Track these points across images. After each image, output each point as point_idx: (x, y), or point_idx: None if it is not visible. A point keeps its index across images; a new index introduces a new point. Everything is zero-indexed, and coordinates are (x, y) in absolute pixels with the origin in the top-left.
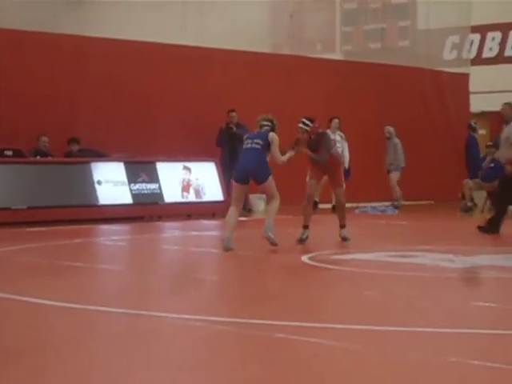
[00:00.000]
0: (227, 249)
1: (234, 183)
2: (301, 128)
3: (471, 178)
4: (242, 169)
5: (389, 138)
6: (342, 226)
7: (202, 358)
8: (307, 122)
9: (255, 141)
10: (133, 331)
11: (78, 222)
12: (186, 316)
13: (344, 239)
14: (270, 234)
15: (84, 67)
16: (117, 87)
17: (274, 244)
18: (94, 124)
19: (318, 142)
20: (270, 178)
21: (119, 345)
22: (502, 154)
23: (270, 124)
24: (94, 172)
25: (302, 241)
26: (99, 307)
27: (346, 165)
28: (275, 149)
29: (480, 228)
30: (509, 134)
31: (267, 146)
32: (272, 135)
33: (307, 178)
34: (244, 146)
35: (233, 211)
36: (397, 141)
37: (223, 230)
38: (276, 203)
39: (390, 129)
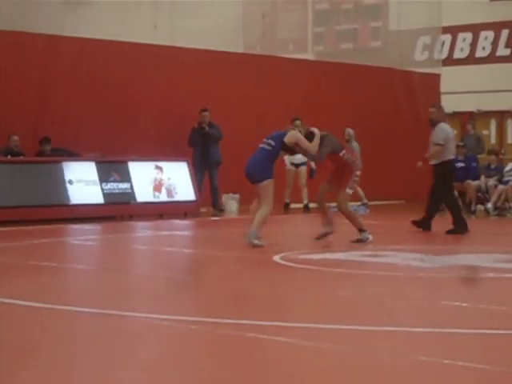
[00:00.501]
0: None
1: None
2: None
3: None
4: (245, 168)
5: (348, 141)
6: (360, 230)
7: (171, 358)
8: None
9: (268, 141)
10: (104, 331)
11: (50, 221)
12: (157, 316)
13: (358, 241)
14: (255, 241)
15: (55, 66)
16: (88, 87)
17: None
18: (66, 124)
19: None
20: (267, 182)
21: (90, 345)
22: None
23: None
24: (66, 171)
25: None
26: (70, 307)
27: (313, 164)
28: (304, 144)
29: (414, 222)
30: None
31: (280, 147)
32: (290, 134)
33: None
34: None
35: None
36: (355, 144)
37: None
38: (265, 210)
39: (350, 131)
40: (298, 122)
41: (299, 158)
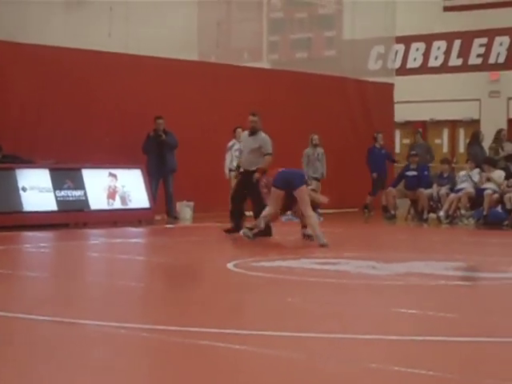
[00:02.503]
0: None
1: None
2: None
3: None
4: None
5: (317, 146)
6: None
7: (122, 366)
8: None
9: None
10: (56, 339)
11: (3, 228)
12: (110, 323)
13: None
14: (323, 240)
15: (9, 73)
16: (42, 94)
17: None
18: (19, 131)
19: None
20: (304, 187)
21: (42, 352)
22: (248, 162)
23: None
24: (19, 178)
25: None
26: (22, 315)
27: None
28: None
29: (227, 231)
30: (261, 144)
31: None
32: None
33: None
34: None
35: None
36: (320, 149)
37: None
38: (311, 214)
39: (317, 136)
40: (239, 130)
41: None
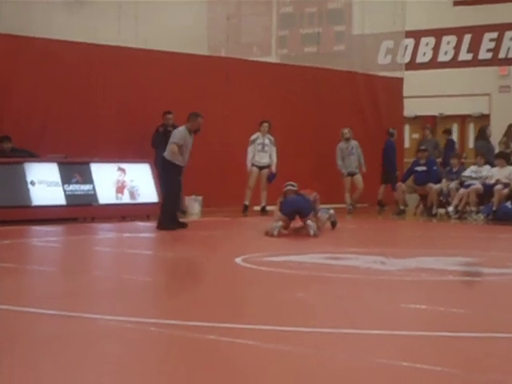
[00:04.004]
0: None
1: None
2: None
3: (386, 183)
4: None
5: (348, 139)
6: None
7: (130, 361)
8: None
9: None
10: (64, 333)
11: (11, 222)
12: (118, 318)
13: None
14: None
15: (18, 66)
16: (51, 88)
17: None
18: (28, 124)
19: None
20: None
21: (50, 347)
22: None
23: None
24: (28, 172)
25: None
26: (30, 309)
27: (273, 168)
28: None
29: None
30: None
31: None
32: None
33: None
34: None
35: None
36: (354, 142)
37: None
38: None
39: (348, 130)
40: (266, 125)
41: (265, 161)
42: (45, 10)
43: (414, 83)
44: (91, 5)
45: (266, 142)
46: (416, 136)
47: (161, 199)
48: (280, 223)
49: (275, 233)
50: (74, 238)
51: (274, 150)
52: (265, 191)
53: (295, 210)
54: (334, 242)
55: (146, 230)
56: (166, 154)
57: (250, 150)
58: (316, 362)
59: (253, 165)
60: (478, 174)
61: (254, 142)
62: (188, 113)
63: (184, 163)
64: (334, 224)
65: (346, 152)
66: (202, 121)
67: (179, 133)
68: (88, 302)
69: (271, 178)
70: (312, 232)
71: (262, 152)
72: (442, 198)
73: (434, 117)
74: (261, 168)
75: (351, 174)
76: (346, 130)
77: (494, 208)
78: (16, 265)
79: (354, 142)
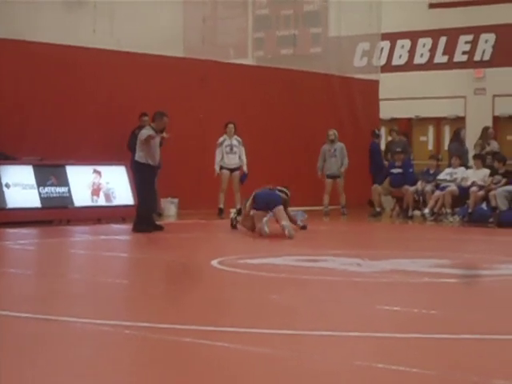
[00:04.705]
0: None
1: None
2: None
3: (377, 184)
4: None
5: (333, 141)
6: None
7: (105, 364)
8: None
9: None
10: (39, 336)
11: None
12: (94, 321)
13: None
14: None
15: None
16: (28, 90)
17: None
18: (3, 127)
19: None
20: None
21: (24, 350)
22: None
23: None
24: (3, 175)
25: None
26: (4, 312)
27: (245, 168)
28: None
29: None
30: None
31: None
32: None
33: None
34: None
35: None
36: (340, 144)
37: None
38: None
39: (335, 132)
40: (231, 126)
41: (234, 162)
42: (22, 10)
43: (389, 85)
44: (67, 5)
45: (234, 143)
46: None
47: (136, 201)
48: (265, 219)
49: (266, 229)
50: (49, 240)
51: (242, 150)
52: (238, 193)
53: (266, 202)
54: (310, 244)
55: (121, 232)
56: (138, 157)
57: (218, 152)
58: (293, 364)
59: (222, 167)
60: (453, 175)
61: (221, 144)
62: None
63: (156, 163)
64: (303, 228)
65: (329, 154)
66: (168, 120)
67: (147, 131)
68: (63, 304)
69: (243, 178)
70: (287, 232)
71: (231, 154)
72: (415, 196)
73: (409, 119)
74: (231, 170)
75: (332, 177)
76: (330, 132)
77: (470, 210)
78: None
79: (339, 144)
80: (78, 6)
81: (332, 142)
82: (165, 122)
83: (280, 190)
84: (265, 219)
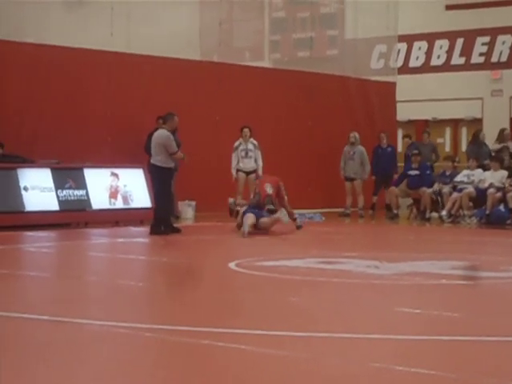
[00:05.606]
0: None
1: None
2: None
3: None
4: None
5: (353, 144)
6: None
7: (124, 366)
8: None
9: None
10: (57, 339)
11: (4, 228)
12: (112, 323)
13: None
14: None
15: (9, 71)
16: (44, 93)
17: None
18: (21, 130)
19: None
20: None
21: (43, 353)
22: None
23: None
24: (21, 178)
25: None
26: (22, 314)
27: (260, 173)
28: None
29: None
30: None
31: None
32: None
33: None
34: None
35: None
36: (360, 148)
37: None
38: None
39: (357, 135)
40: (247, 130)
41: (250, 166)
42: (37, 11)
43: (406, 87)
44: (84, 6)
45: (250, 147)
46: (409, 141)
47: (154, 204)
48: (250, 222)
49: (246, 228)
50: (67, 243)
51: (258, 154)
52: None
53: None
54: (328, 247)
55: (139, 235)
56: (155, 160)
57: (234, 157)
58: (311, 366)
59: (238, 171)
60: (471, 177)
61: (236, 148)
62: (180, 117)
63: (172, 166)
64: (298, 227)
65: (348, 156)
66: (178, 119)
67: (167, 138)
68: (81, 307)
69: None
70: (285, 220)
71: (246, 158)
72: (433, 196)
73: (426, 121)
74: (247, 173)
75: (349, 179)
76: (351, 134)
77: (488, 212)
78: (9, 270)
79: (359, 148)
80: (94, 7)
81: (352, 144)
82: (176, 121)
83: (269, 210)
84: (249, 221)
